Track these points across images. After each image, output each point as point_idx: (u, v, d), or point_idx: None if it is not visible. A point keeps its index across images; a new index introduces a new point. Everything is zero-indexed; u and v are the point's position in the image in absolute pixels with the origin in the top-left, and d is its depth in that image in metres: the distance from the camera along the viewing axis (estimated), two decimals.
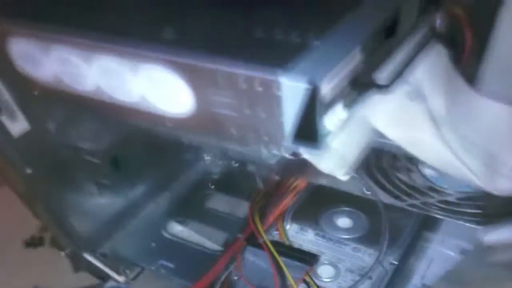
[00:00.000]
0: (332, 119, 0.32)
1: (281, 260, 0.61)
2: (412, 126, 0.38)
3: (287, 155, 0.43)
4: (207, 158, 0.83)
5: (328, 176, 0.63)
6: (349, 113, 0.33)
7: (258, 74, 0.29)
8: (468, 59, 0.42)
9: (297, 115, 0.29)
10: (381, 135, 0.41)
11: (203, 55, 0.31)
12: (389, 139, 0.39)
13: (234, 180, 0.81)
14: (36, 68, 0.39)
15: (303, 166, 0.63)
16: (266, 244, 0.63)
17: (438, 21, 0.42)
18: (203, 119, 0.34)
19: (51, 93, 0.40)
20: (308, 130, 0.30)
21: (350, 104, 0.34)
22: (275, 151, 0.41)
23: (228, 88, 0.31)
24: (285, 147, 0.32)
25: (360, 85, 0.33)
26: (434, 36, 0.40)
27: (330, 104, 0.30)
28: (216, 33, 0.35)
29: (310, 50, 0.30)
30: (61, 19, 0.37)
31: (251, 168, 0.81)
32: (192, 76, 0.32)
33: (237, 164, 0.82)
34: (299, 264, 0.61)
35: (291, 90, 0.28)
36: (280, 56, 0.30)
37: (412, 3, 0.39)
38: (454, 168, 0.39)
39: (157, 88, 0.34)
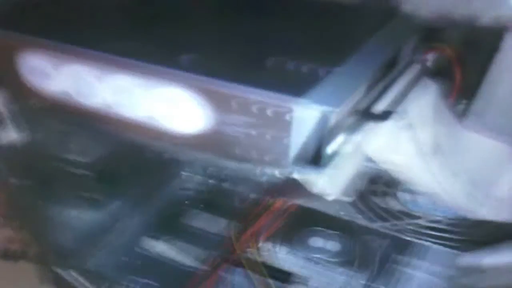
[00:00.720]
0: (333, 143, 0.34)
1: (258, 277, 0.62)
2: (401, 154, 0.41)
3: (278, 175, 0.45)
4: (184, 174, 0.84)
5: (305, 196, 0.66)
6: (346, 139, 0.36)
7: (271, 99, 0.31)
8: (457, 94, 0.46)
9: (305, 138, 0.32)
10: (369, 160, 0.44)
11: (218, 78, 0.33)
12: (377, 165, 0.42)
13: (210, 197, 0.82)
14: (45, 81, 0.39)
15: (283, 187, 0.65)
16: (244, 261, 0.64)
17: (430, 59, 0.46)
18: (209, 138, 0.36)
19: (55, 107, 0.40)
20: (313, 154, 0.33)
21: (347, 131, 0.36)
22: (276, 172, 0.43)
23: (239, 110, 0.32)
24: (287, 169, 0.34)
25: (360, 115, 0.36)
26: (425, 72, 0.43)
27: (334, 129, 0.33)
28: (231, 60, 0.37)
29: (321, 81, 0.33)
30: (74, 38, 0.38)
31: (227, 185, 0.82)
32: (205, 97, 0.33)
33: (212, 181, 0.83)
34: (275, 281, 0.63)
35: (303, 115, 0.30)
36: (293, 84, 0.32)
37: (410, 43, 0.43)
38: (437, 194, 0.42)
39: (169, 106, 0.35)
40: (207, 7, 0.49)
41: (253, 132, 0.33)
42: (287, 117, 0.31)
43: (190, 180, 0.84)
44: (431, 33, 0.47)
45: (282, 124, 0.31)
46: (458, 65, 0.47)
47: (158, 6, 0.48)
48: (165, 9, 0.48)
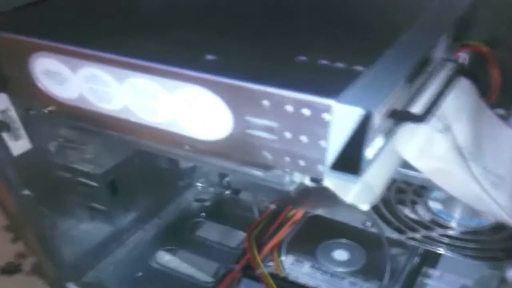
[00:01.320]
0: (372, 148, 0.32)
1: None
2: (439, 158, 0.38)
3: (308, 182, 0.42)
4: (199, 185, 0.81)
5: (325, 206, 0.64)
6: (385, 142, 0.33)
7: (308, 97, 0.28)
8: (497, 94, 0.43)
9: (344, 141, 0.29)
10: (403, 166, 0.41)
11: (246, 76, 0.30)
12: (412, 169, 0.39)
13: (226, 209, 0.80)
14: (61, 85, 0.37)
15: (302, 196, 0.63)
16: (265, 276, 0.61)
17: (465, 57, 0.43)
18: (235, 143, 0.33)
19: (70, 111, 0.38)
20: (351, 157, 0.30)
21: (385, 133, 0.34)
22: (306, 179, 0.40)
23: (272, 110, 0.30)
24: (322, 174, 0.32)
25: (397, 115, 0.33)
26: (461, 71, 0.41)
27: (374, 131, 0.30)
28: (258, 56, 0.34)
29: (358, 78, 0.30)
30: (92, 40, 0.36)
31: (243, 196, 0.80)
32: (233, 98, 0.31)
33: (228, 192, 0.81)
34: None
35: (344, 114, 0.28)
36: (329, 81, 0.30)
37: (444, 40, 0.40)
38: (481, 202, 0.39)
39: (192, 109, 0.33)
40: (231, 5, 0.46)
41: (287, 135, 0.31)
42: (325, 116, 0.28)
43: (205, 191, 0.82)
44: (464, 30, 0.44)
45: (319, 124, 0.29)
46: (495, 63, 0.44)
47: (175, 5, 0.46)
48: (187, 7, 0.46)
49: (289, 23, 0.42)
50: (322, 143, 0.30)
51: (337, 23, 0.41)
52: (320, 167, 0.31)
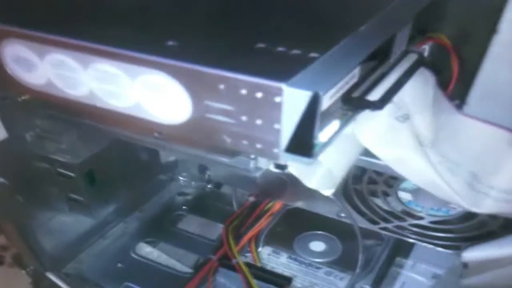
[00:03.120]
0: (325, 131, 0.33)
1: (254, 282, 0.61)
2: (398, 145, 0.39)
3: (272, 168, 0.44)
4: (181, 179, 0.82)
5: (302, 199, 0.64)
6: (340, 126, 0.34)
7: (261, 80, 0.29)
8: (454, 85, 0.45)
9: (295, 123, 0.30)
10: (365, 154, 0.43)
11: (204, 61, 0.31)
12: (374, 157, 0.40)
13: (207, 203, 0.81)
14: (29, 72, 0.38)
15: (279, 188, 0.64)
16: (240, 266, 0.62)
17: (426, 49, 0.44)
18: (196, 127, 0.34)
19: (40, 98, 0.39)
20: (304, 140, 0.31)
21: (341, 119, 0.35)
22: (270, 164, 0.41)
23: (228, 94, 0.31)
24: (278, 156, 0.33)
25: (353, 101, 0.34)
26: (422, 62, 0.42)
27: (326, 115, 0.31)
28: (218, 43, 0.35)
29: (312, 63, 0.31)
30: (58, 26, 0.37)
31: (224, 190, 0.81)
32: (191, 82, 0.32)
33: (210, 186, 0.82)
34: (272, 286, 0.61)
35: (294, 97, 0.29)
36: (283, 66, 0.31)
37: (405, 31, 0.41)
38: (438, 187, 0.40)
39: (154, 94, 0.34)
40: None
41: (243, 118, 0.32)
42: (277, 99, 0.29)
43: (187, 185, 0.83)
44: (426, 22, 0.46)
45: (272, 107, 0.30)
46: (456, 55, 0.45)
47: None
48: None
49: (252, 11, 0.43)
50: (276, 125, 0.31)
51: (298, 12, 0.42)
52: (275, 150, 0.32)
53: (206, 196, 0.82)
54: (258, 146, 0.33)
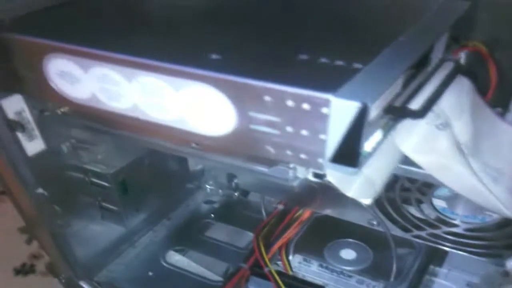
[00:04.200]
0: (370, 141, 0.33)
1: None
2: (439, 152, 0.39)
3: (310, 177, 0.44)
4: (208, 187, 0.83)
5: (332, 206, 0.64)
6: (383, 136, 0.34)
7: (308, 92, 0.29)
8: (493, 92, 0.44)
9: (342, 134, 0.30)
10: (403, 162, 0.42)
11: (250, 74, 0.32)
12: (414, 166, 0.40)
13: (234, 211, 0.81)
14: (73, 85, 0.39)
15: (309, 196, 0.64)
16: (272, 274, 0.62)
17: (463, 56, 0.44)
18: (239, 138, 0.35)
19: (83, 111, 0.40)
20: (350, 150, 0.31)
21: (383, 128, 0.35)
22: (309, 174, 0.42)
23: (273, 106, 0.31)
24: (323, 166, 0.33)
25: (395, 111, 0.34)
26: (459, 70, 0.42)
27: (371, 125, 0.31)
28: (261, 55, 0.36)
29: (356, 74, 0.31)
30: (103, 41, 0.38)
31: (251, 198, 0.81)
32: (237, 94, 0.32)
33: (237, 194, 0.82)
34: None
35: (341, 108, 0.29)
36: (328, 78, 0.31)
37: (442, 40, 0.41)
38: (480, 195, 0.40)
39: (198, 106, 0.34)
40: (235, 5, 0.48)
41: (288, 129, 0.32)
42: (324, 110, 0.30)
43: (214, 193, 0.83)
44: (463, 31, 0.46)
45: (319, 118, 0.30)
46: (493, 63, 0.45)
47: (180, 6, 0.48)
48: (191, 8, 0.47)
49: (292, 22, 0.43)
50: (322, 136, 0.31)
51: (338, 22, 0.43)
52: (320, 160, 0.32)
53: (233, 204, 0.82)
54: (303, 156, 0.33)
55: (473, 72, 0.44)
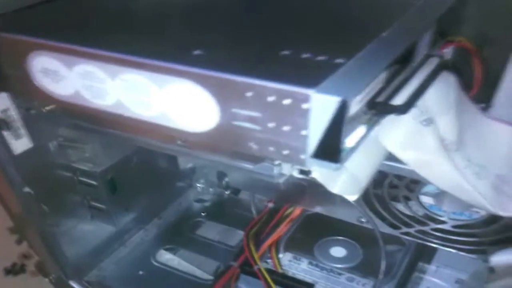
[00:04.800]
0: (352, 136, 0.33)
1: None
2: (423, 149, 0.39)
3: (296, 174, 0.44)
4: (199, 186, 0.83)
5: (322, 204, 0.64)
6: (365, 132, 0.35)
7: (289, 87, 0.29)
8: (478, 88, 0.45)
9: (323, 129, 0.30)
10: (387, 158, 0.43)
11: (232, 69, 0.32)
12: (401, 162, 0.40)
13: (225, 209, 0.81)
14: (57, 83, 0.39)
15: (298, 194, 0.64)
16: (262, 272, 0.62)
17: (448, 52, 0.44)
18: (222, 134, 0.35)
19: (67, 108, 0.40)
20: (331, 146, 0.31)
21: (366, 123, 0.35)
22: (294, 170, 0.42)
23: (255, 101, 0.31)
24: (305, 162, 0.33)
25: (378, 106, 0.34)
26: (444, 66, 0.42)
27: (353, 121, 0.31)
28: (243, 51, 0.36)
29: (338, 69, 0.31)
30: (86, 38, 0.38)
31: (242, 196, 0.81)
32: (219, 90, 0.32)
33: (228, 193, 0.82)
34: None
35: (322, 103, 0.29)
36: (309, 73, 0.31)
37: (427, 35, 0.41)
38: (464, 191, 0.40)
39: (181, 102, 0.34)
40: (217, 2, 0.48)
41: (270, 125, 0.32)
42: (305, 106, 0.30)
43: (205, 192, 0.83)
44: (447, 26, 0.46)
45: (300, 114, 0.30)
46: (478, 58, 0.45)
47: (164, 4, 0.48)
48: (172, 5, 0.47)
49: (275, 19, 0.43)
50: (303, 132, 0.31)
51: (321, 18, 0.43)
52: (302, 156, 0.32)
53: (224, 202, 0.82)
54: (285, 152, 0.33)
55: (458, 67, 0.44)
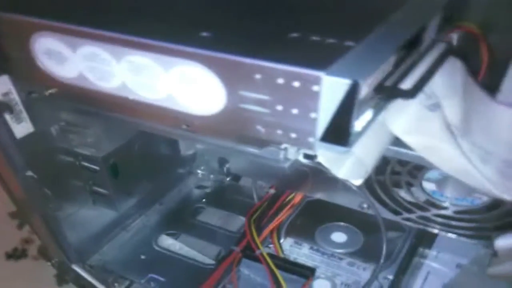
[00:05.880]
0: (361, 120, 0.33)
1: (279, 272, 0.61)
2: (429, 133, 0.39)
3: (301, 159, 0.44)
4: (200, 172, 0.83)
5: (323, 190, 0.65)
6: (373, 115, 0.34)
7: (299, 69, 0.29)
8: (485, 73, 0.44)
9: (332, 112, 0.30)
10: (394, 143, 0.43)
11: (240, 51, 0.31)
12: (405, 147, 0.40)
13: (226, 195, 0.81)
14: (61, 65, 0.38)
15: (300, 180, 0.64)
16: (264, 256, 0.62)
17: (455, 37, 0.44)
18: (229, 118, 0.34)
19: (70, 91, 0.39)
20: (340, 129, 0.31)
21: (374, 107, 0.35)
22: (300, 154, 0.41)
23: (264, 84, 0.31)
24: (313, 146, 0.33)
25: (386, 90, 0.34)
26: (451, 51, 0.42)
27: (362, 104, 0.31)
28: (252, 33, 0.35)
29: (348, 52, 0.31)
30: (91, 18, 0.37)
31: (243, 183, 0.81)
32: (226, 72, 0.32)
33: (229, 179, 0.82)
34: (296, 277, 0.61)
35: (332, 86, 0.29)
36: (319, 55, 0.31)
37: (435, 20, 0.41)
38: (469, 175, 0.40)
39: (187, 85, 0.34)
40: None
41: (278, 108, 0.32)
42: (315, 88, 0.29)
43: (206, 178, 0.83)
44: (456, 11, 0.45)
45: (310, 96, 0.30)
46: (485, 43, 0.45)
47: None
48: None
49: (282, 1, 0.43)
50: (312, 115, 0.31)
51: (329, 1, 0.42)
52: (311, 139, 0.32)
53: (225, 189, 0.82)
54: (293, 135, 0.33)
55: (465, 53, 0.44)
